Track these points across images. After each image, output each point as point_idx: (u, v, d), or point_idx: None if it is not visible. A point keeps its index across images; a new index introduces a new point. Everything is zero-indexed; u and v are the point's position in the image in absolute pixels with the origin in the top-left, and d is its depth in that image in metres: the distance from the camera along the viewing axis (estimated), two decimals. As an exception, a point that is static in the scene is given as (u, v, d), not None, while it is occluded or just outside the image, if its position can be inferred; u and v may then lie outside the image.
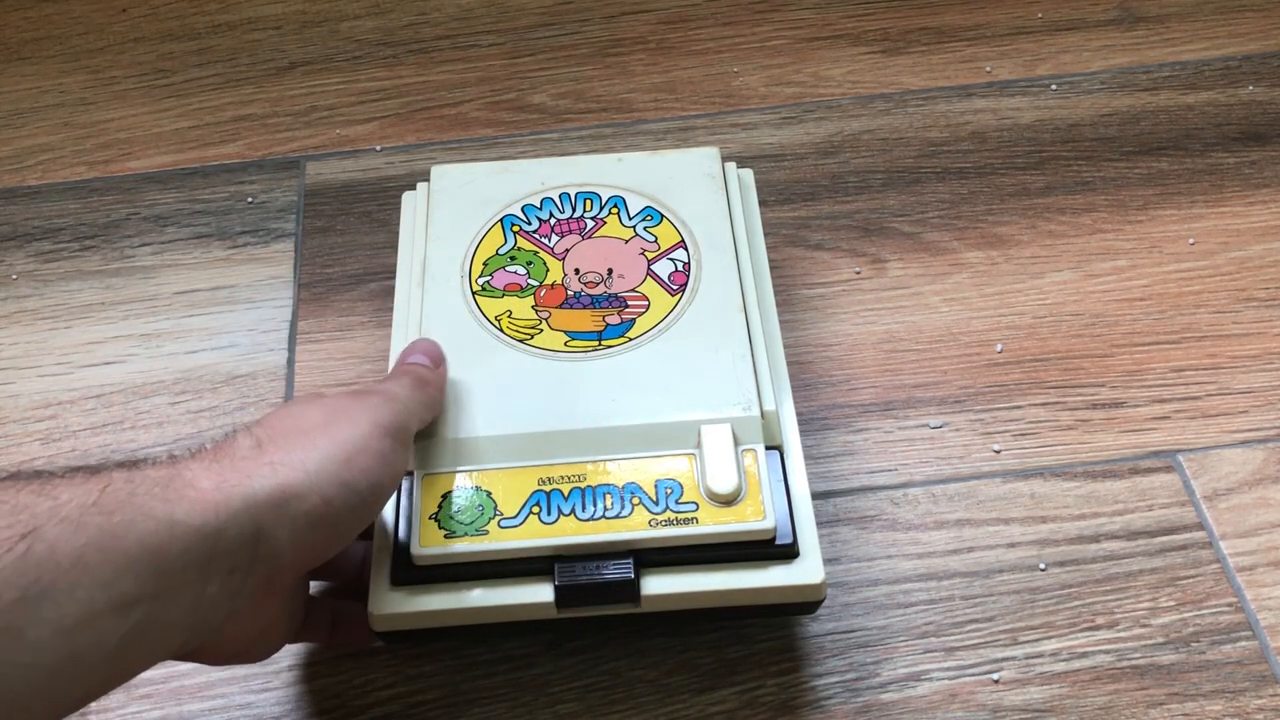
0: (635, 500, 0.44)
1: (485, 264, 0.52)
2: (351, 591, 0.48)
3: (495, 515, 0.44)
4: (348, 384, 0.59)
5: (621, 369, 0.48)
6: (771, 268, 0.55)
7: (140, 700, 0.48)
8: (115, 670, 0.34)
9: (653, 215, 0.54)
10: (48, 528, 0.32)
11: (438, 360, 0.47)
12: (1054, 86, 0.71)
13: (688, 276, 0.51)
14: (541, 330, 0.50)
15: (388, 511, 0.46)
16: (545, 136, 0.70)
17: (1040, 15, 0.76)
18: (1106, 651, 0.49)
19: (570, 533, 0.44)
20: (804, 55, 0.74)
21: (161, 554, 0.33)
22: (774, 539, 0.44)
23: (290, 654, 0.49)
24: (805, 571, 0.44)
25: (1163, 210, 0.65)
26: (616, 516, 0.44)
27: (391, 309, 0.53)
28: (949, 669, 0.48)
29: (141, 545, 0.33)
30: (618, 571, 0.43)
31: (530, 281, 0.52)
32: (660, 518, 0.44)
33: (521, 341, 0.49)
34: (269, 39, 0.77)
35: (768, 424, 0.47)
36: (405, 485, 0.46)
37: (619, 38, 0.76)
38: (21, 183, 0.69)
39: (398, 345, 0.51)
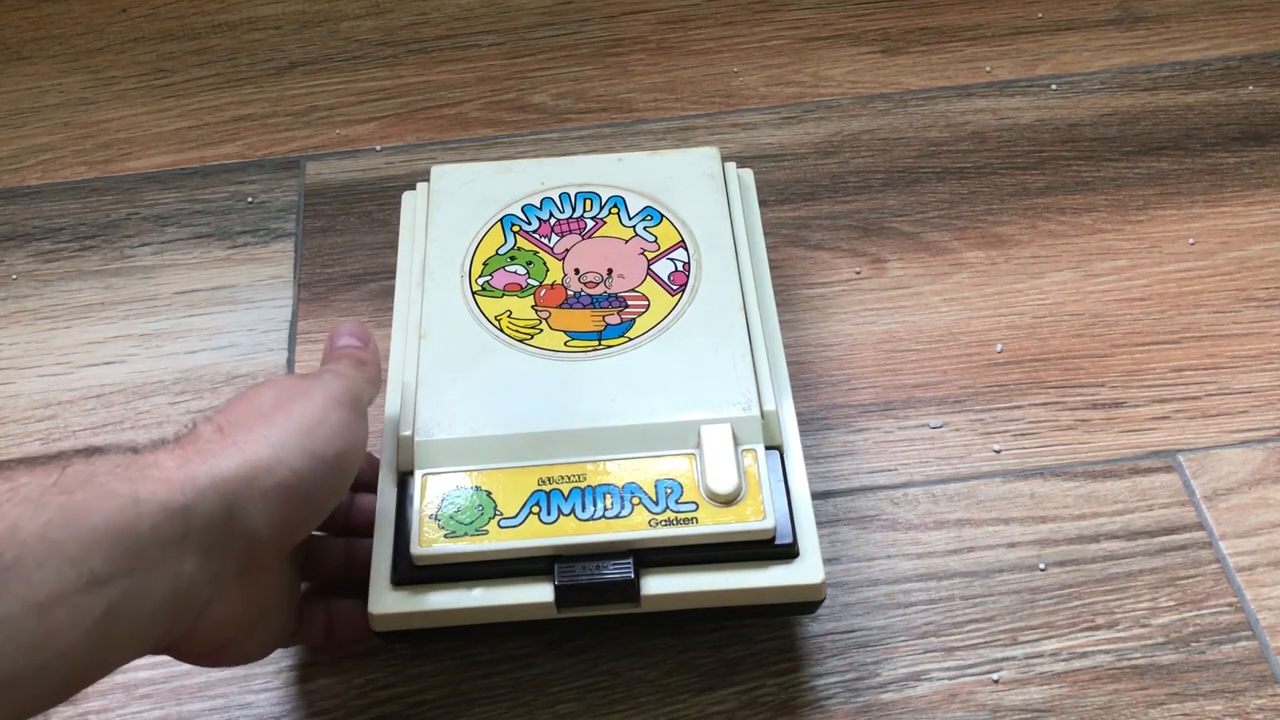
0: (635, 500, 0.44)
1: (485, 264, 0.52)
2: (336, 589, 0.48)
3: (495, 515, 0.44)
4: (348, 384, 0.59)
5: (621, 369, 0.48)
6: (771, 268, 0.55)
7: (140, 700, 0.48)
8: (97, 655, 0.34)
9: (653, 215, 0.54)
10: (6, 507, 0.32)
11: (366, 339, 0.47)
12: (1054, 86, 0.71)
13: (688, 276, 0.51)
14: (541, 330, 0.50)
15: (388, 511, 0.46)
16: (545, 136, 0.70)
17: (1040, 15, 0.76)
18: (1106, 651, 0.49)
19: (570, 533, 0.44)
20: (804, 55, 0.74)
21: (129, 530, 0.33)
22: (774, 539, 0.44)
23: (290, 654, 0.49)
24: (805, 571, 0.44)
25: (1163, 210, 0.65)
26: (616, 516, 0.44)
27: (391, 309, 0.53)
28: (949, 669, 0.48)
29: (107, 522, 0.33)
30: (618, 571, 0.43)
31: (530, 281, 0.52)
32: (660, 518, 0.44)
33: (521, 341, 0.49)
34: (269, 39, 0.77)
35: (768, 424, 0.47)
36: (405, 485, 0.46)
37: (619, 38, 0.76)
38: (21, 183, 0.69)
39: (398, 345, 0.51)
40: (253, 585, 0.39)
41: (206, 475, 0.36)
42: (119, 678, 0.49)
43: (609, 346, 0.49)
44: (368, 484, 0.48)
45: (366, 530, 0.47)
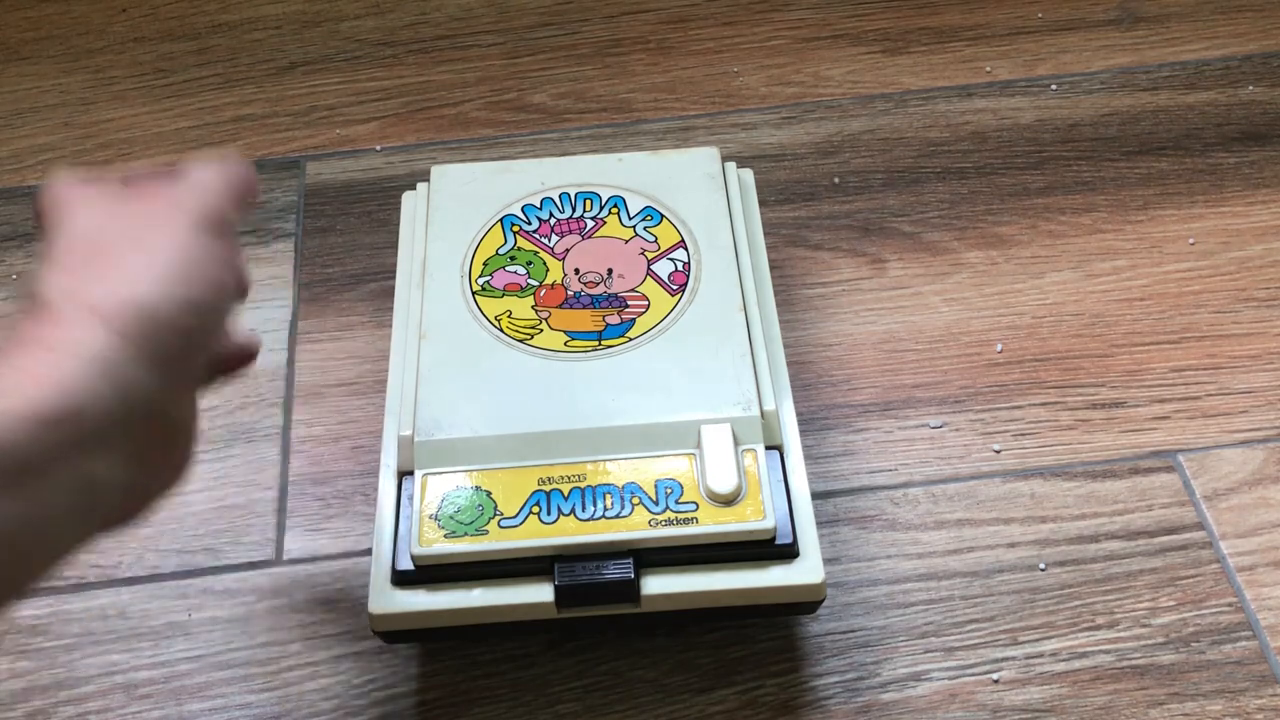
0: (635, 500, 0.44)
1: (485, 264, 0.52)
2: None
3: (495, 515, 0.44)
4: (348, 384, 0.59)
5: (621, 369, 0.48)
6: (771, 268, 0.55)
7: (140, 700, 0.48)
8: (17, 562, 0.31)
9: (653, 215, 0.54)
10: None
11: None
12: (1054, 86, 0.71)
13: (688, 276, 0.51)
14: (541, 330, 0.50)
15: (388, 510, 0.46)
16: (545, 136, 0.70)
17: (1040, 15, 0.76)
18: (1106, 651, 0.49)
19: (570, 533, 0.44)
20: (804, 55, 0.74)
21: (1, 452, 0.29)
22: (774, 539, 0.44)
23: (290, 654, 0.49)
24: (805, 571, 0.44)
25: (1163, 210, 0.65)
26: (616, 516, 0.44)
27: (391, 309, 0.53)
28: (949, 669, 0.48)
29: None
30: (618, 571, 0.43)
31: (530, 281, 0.52)
32: (660, 518, 0.44)
33: (521, 341, 0.49)
34: (269, 39, 0.77)
35: (768, 424, 0.47)
36: (405, 485, 0.46)
37: (619, 38, 0.76)
38: (21, 183, 0.69)
39: (398, 345, 0.51)
40: (167, 430, 0.35)
41: (83, 366, 0.31)
42: (119, 677, 0.49)
43: (609, 346, 0.49)
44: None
45: (227, 367, 0.44)
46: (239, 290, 0.37)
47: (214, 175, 0.37)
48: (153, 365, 0.33)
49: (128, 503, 0.35)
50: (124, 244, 0.34)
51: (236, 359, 0.44)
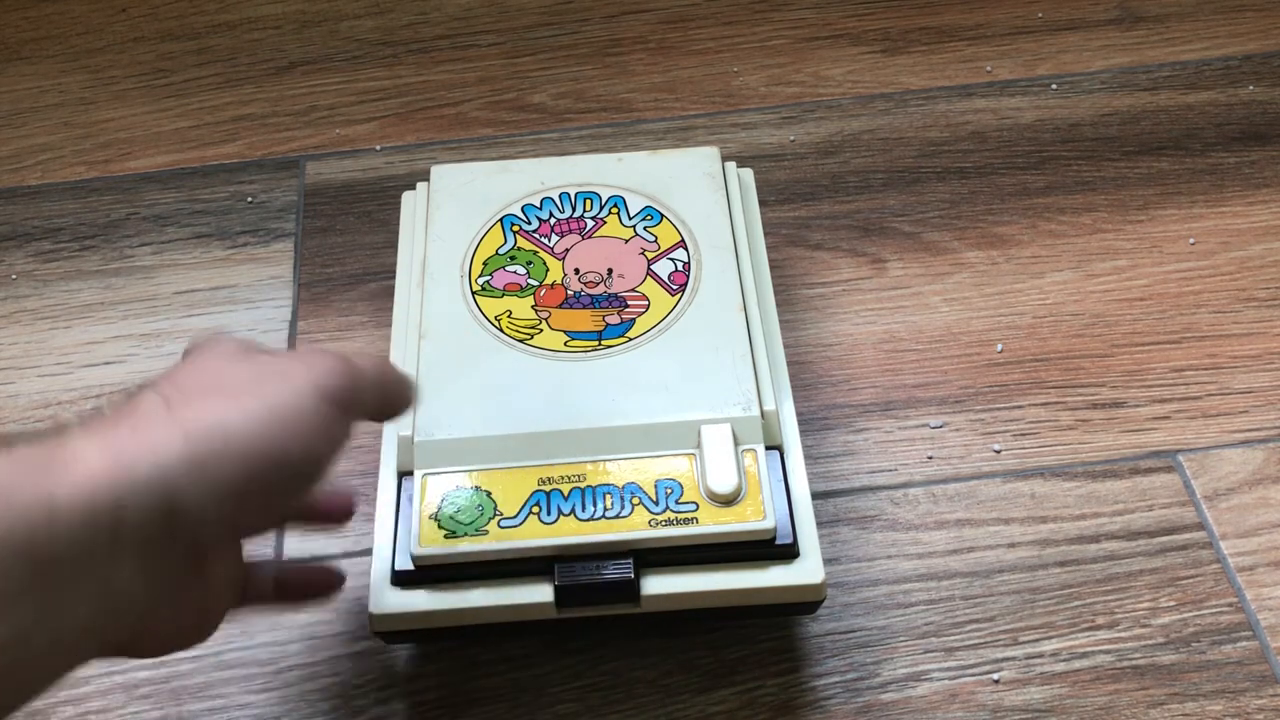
0: (635, 500, 0.44)
1: (485, 264, 0.52)
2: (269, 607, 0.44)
3: (495, 515, 0.44)
4: (348, 384, 0.59)
5: (621, 369, 0.48)
6: (771, 268, 0.55)
7: (140, 700, 0.48)
8: (17, 677, 0.29)
9: (653, 215, 0.54)
10: None
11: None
12: (1054, 86, 0.71)
13: (688, 276, 0.51)
14: (541, 330, 0.50)
15: (387, 510, 0.46)
16: (545, 136, 0.70)
17: (1040, 15, 0.76)
18: (1107, 651, 0.49)
19: (570, 533, 0.44)
20: (804, 55, 0.74)
21: (37, 545, 0.28)
22: (774, 539, 0.44)
23: (290, 654, 0.49)
24: (805, 571, 0.44)
25: (1163, 210, 0.65)
26: (616, 516, 0.44)
27: (391, 309, 0.53)
28: (949, 669, 0.48)
29: (9, 534, 0.28)
30: (618, 571, 0.43)
31: (530, 281, 0.52)
32: (660, 518, 0.44)
33: (521, 341, 0.49)
34: (269, 39, 0.77)
35: (768, 424, 0.47)
36: (405, 485, 0.46)
37: (619, 38, 0.76)
38: (21, 183, 0.69)
39: (398, 345, 0.51)
40: (200, 579, 0.35)
41: (145, 466, 0.30)
42: (119, 677, 0.49)
43: (609, 346, 0.49)
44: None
45: (314, 518, 0.45)
46: (330, 463, 0.35)
47: (371, 365, 0.37)
48: (211, 495, 0.32)
49: (139, 628, 0.34)
50: (241, 384, 0.33)
51: (320, 517, 0.45)
